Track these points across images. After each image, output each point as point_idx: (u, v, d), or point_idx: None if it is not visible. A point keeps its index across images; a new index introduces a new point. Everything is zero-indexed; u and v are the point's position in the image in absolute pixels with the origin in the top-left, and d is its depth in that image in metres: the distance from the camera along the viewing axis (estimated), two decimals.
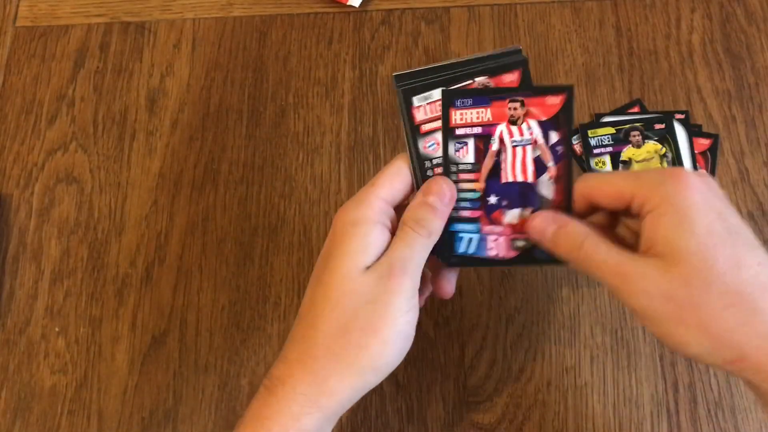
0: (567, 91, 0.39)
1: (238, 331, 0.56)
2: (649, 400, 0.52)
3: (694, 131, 0.58)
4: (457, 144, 0.40)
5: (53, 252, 0.59)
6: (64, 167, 0.62)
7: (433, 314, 0.56)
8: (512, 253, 0.40)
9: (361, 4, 0.66)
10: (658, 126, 0.57)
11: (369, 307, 0.37)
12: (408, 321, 0.38)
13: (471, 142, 0.41)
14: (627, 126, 0.58)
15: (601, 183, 0.37)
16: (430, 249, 0.39)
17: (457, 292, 0.56)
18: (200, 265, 0.58)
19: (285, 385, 0.38)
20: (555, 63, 0.63)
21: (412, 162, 0.41)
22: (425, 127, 0.41)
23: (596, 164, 0.56)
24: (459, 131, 0.40)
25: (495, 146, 0.40)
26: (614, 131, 0.57)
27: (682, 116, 0.58)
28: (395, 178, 0.40)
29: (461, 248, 0.41)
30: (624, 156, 0.56)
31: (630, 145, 0.56)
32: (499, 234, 0.41)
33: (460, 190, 0.41)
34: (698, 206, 0.33)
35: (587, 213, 0.39)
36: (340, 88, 0.63)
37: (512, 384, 0.53)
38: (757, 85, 0.61)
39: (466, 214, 0.41)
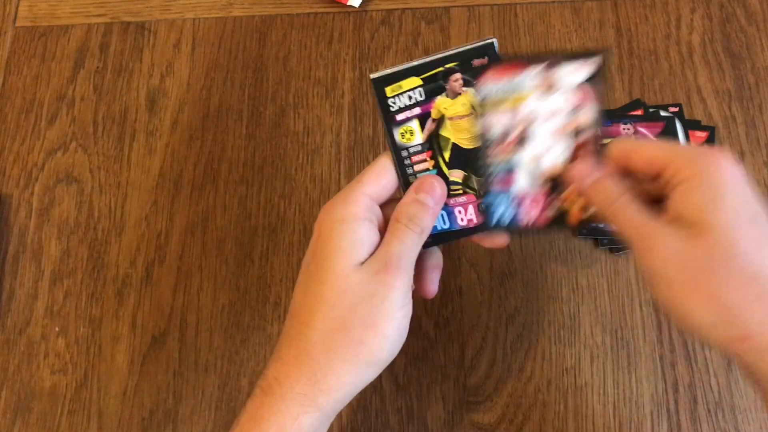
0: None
1: (238, 331, 0.56)
2: (649, 400, 0.52)
3: (690, 124, 0.58)
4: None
5: (53, 252, 0.59)
6: (64, 167, 0.62)
7: (433, 314, 0.56)
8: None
9: (361, 4, 0.66)
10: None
11: (366, 303, 0.37)
12: (404, 315, 0.38)
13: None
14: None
15: (636, 147, 0.38)
16: (421, 245, 0.40)
17: (457, 292, 0.56)
18: (200, 265, 0.58)
19: (282, 385, 0.37)
20: None
21: (392, 152, 0.41)
22: (400, 117, 0.41)
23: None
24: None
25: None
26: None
27: (675, 109, 0.58)
28: (380, 174, 0.41)
29: (496, 217, 0.41)
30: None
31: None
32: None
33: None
34: (730, 186, 0.34)
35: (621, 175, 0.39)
36: (340, 88, 0.63)
37: (512, 384, 0.53)
38: (757, 85, 0.61)
39: (497, 184, 0.41)
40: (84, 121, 0.63)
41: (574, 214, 0.40)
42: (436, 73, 0.40)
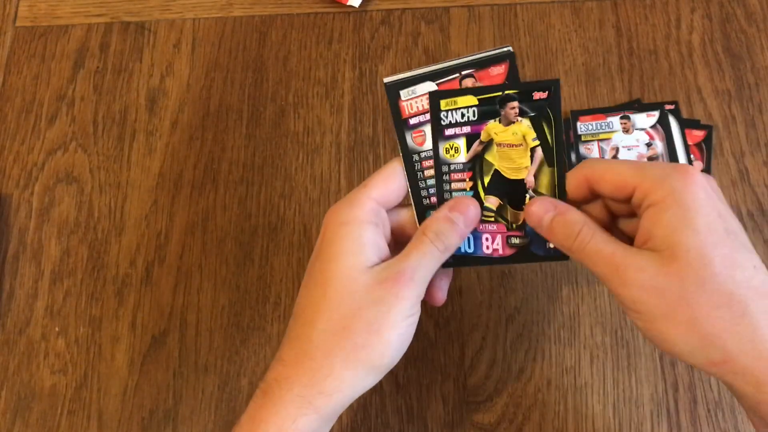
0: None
1: (238, 331, 0.56)
2: (649, 400, 0.52)
3: (689, 123, 0.58)
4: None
5: (53, 252, 0.59)
6: (64, 167, 0.62)
7: (433, 314, 0.56)
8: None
9: (361, 4, 0.66)
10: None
11: (372, 308, 0.37)
12: (410, 324, 0.38)
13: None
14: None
15: (605, 169, 0.37)
16: (441, 263, 0.39)
17: (457, 292, 0.56)
18: (200, 265, 0.58)
19: (281, 387, 0.37)
20: (555, 63, 0.63)
21: (402, 156, 0.41)
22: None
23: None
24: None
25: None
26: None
27: (671, 106, 0.58)
28: (388, 179, 0.41)
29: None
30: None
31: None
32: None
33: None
34: (701, 204, 0.33)
35: (585, 200, 0.39)
36: (340, 88, 0.63)
37: (512, 384, 0.53)
38: (757, 85, 0.61)
39: None
40: (84, 121, 0.63)
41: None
42: (494, 97, 0.40)
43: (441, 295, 0.43)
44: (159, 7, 0.67)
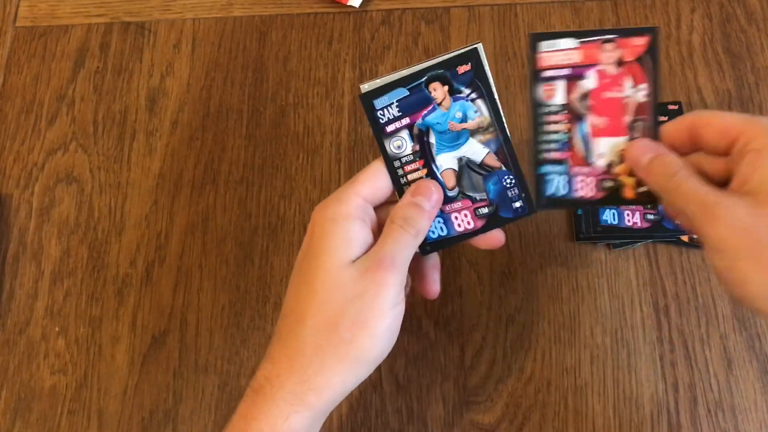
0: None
1: (238, 331, 0.56)
2: (649, 400, 0.52)
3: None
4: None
5: (53, 252, 0.59)
6: (64, 167, 0.62)
7: (433, 314, 0.56)
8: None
9: (361, 4, 0.66)
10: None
11: (357, 301, 0.37)
12: (395, 315, 0.38)
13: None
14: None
15: (713, 115, 0.37)
16: (416, 247, 0.40)
17: (457, 292, 0.56)
18: (200, 265, 0.58)
19: (272, 385, 0.37)
20: None
21: (384, 160, 0.42)
22: (389, 128, 0.41)
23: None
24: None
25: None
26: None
27: (675, 107, 0.58)
28: (376, 176, 0.41)
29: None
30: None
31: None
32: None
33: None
34: None
35: (682, 150, 0.39)
36: (340, 88, 0.63)
37: (512, 384, 0.53)
38: (757, 85, 0.61)
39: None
40: (84, 121, 0.63)
41: (629, 190, 0.41)
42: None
43: (435, 287, 0.44)
44: (159, 7, 0.67)
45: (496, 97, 0.41)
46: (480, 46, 0.40)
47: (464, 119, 0.41)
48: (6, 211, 0.61)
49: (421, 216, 0.40)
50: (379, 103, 0.41)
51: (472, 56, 0.40)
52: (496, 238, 0.42)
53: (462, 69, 0.40)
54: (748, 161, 0.35)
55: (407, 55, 0.64)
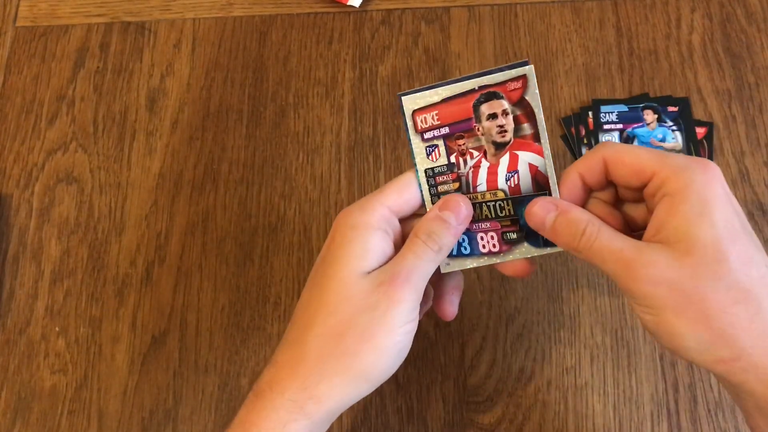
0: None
1: (238, 331, 0.56)
2: (649, 400, 0.52)
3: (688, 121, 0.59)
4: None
5: (53, 252, 0.59)
6: (64, 167, 0.62)
7: (434, 314, 0.55)
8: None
9: (361, 4, 0.66)
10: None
11: (367, 314, 0.36)
12: (406, 332, 0.37)
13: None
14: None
15: (625, 152, 0.36)
16: (437, 264, 0.39)
17: None
18: (200, 265, 0.58)
19: (273, 391, 0.37)
20: (555, 63, 0.63)
21: (416, 171, 0.40)
22: (427, 135, 0.40)
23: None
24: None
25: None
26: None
27: (674, 109, 0.59)
28: (403, 188, 0.39)
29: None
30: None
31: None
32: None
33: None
34: (720, 199, 0.33)
35: (597, 185, 0.38)
36: (340, 88, 0.63)
37: (512, 384, 0.53)
38: (757, 85, 0.61)
39: None
40: (84, 121, 0.63)
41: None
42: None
43: (452, 309, 0.42)
44: (159, 7, 0.67)
45: (542, 116, 0.38)
46: (531, 68, 0.37)
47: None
48: (6, 211, 0.61)
49: (446, 232, 0.38)
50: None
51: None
52: (522, 267, 0.40)
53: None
54: (663, 207, 0.33)
55: (407, 55, 0.64)
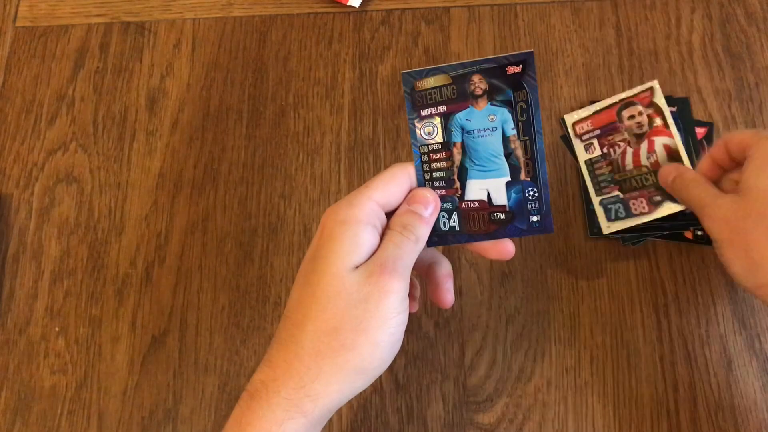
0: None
1: (238, 331, 0.56)
2: (649, 400, 0.52)
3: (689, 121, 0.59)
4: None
5: (53, 252, 0.59)
6: (64, 167, 0.62)
7: (433, 314, 0.56)
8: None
9: (361, 4, 0.66)
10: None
11: (360, 306, 0.36)
12: (399, 323, 0.37)
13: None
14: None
15: (735, 133, 0.45)
16: (417, 254, 0.39)
17: (457, 292, 0.56)
18: (200, 265, 0.58)
19: (268, 390, 0.37)
20: (555, 63, 0.63)
21: (414, 146, 0.42)
22: (424, 112, 0.41)
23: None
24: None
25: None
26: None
27: (674, 108, 0.59)
28: (390, 182, 0.40)
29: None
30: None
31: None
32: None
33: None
34: None
35: (726, 165, 0.46)
36: (340, 88, 0.63)
37: (512, 384, 0.53)
38: (757, 85, 0.61)
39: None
40: (84, 121, 0.63)
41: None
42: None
43: (449, 297, 0.43)
44: (159, 7, 0.67)
45: (668, 112, 0.47)
46: (656, 82, 0.50)
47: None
48: (6, 211, 0.61)
49: (419, 223, 0.39)
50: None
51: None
52: (505, 248, 0.42)
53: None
54: (744, 166, 0.42)
55: (407, 55, 0.64)
